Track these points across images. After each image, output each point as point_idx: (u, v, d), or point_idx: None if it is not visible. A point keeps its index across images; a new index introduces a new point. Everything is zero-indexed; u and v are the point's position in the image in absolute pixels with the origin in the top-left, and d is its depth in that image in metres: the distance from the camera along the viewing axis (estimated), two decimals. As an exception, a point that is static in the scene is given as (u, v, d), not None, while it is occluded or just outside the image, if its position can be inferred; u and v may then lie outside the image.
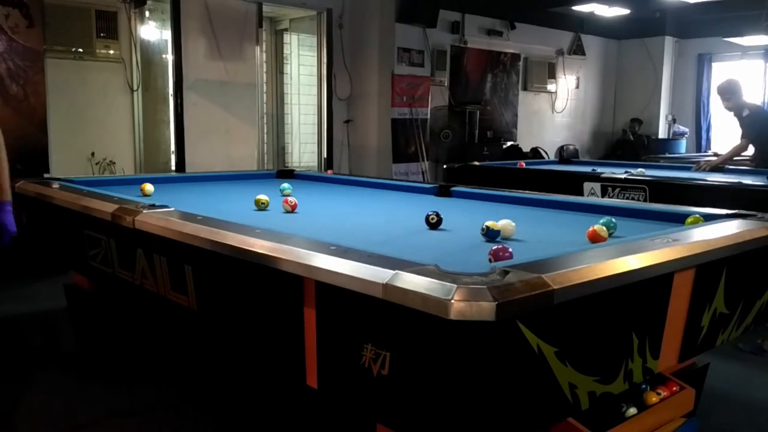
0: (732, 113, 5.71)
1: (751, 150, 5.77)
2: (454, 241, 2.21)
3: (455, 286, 1.30)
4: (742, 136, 5.58)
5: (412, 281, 1.38)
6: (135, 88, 6.10)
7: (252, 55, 6.71)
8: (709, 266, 1.91)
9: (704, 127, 10.19)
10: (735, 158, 5.87)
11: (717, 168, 5.46)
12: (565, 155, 9.58)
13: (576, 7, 8.07)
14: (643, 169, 4.96)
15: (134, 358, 3.26)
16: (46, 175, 4.70)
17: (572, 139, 10.36)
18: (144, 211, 2.38)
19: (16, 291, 4.61)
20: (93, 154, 5.88)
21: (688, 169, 5.70)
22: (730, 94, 5.62)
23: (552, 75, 9.77)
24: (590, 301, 1.50)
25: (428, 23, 7.45)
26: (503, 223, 2.19)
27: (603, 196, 4.63)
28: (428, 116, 7.71)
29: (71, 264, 3.36)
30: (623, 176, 4.63)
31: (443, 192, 3.41)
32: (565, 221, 2.65)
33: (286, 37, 7.78)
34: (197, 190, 3.60)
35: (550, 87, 9.80)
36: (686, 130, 10.26)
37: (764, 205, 3.05)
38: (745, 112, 5.65)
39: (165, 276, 2.34)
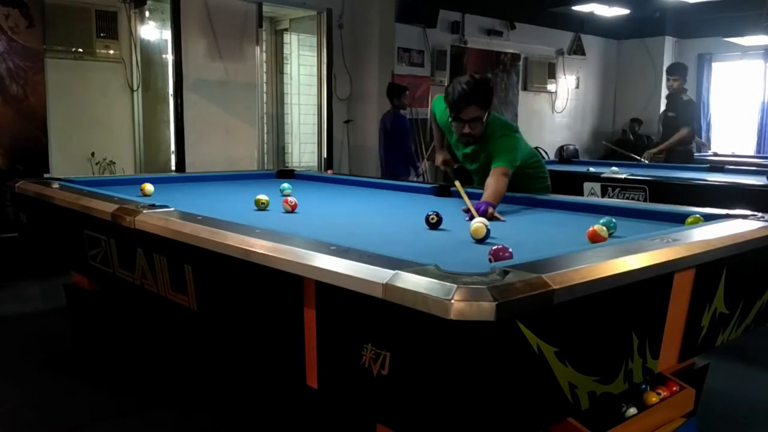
0: (671, 94, 5.92)
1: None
2: (454, 241, 2.21)
3: (455, 286, 1.30)
4: (685, 124, 5.71)
5: (412, 281, 1.38)
6: (135, 88, 6.10)
7: (252, 55, 6.71)
8: (709, 266, 1.91)
9: (704, 127, 10.19)
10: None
11: (660, 154, 5.64)
12: (565, 155, 9.58)
13: (576, 7, 8.07)
14: (616, 168, 4.99)
15: (134, 358, 3.26)
16: (46, 175, 4.71)
17: (572, 139, 10.36)
18: (144, 211, 2.37)
19: (16, 291, 4.61)
20: (93, 154, 5.88)
21: (688, 169, 5.71)
22: (680, 74, 5.82)
23: (552, 75, 9.78)
24: (590, 301, 1.50)
25: (428, 23, 7.45)
26: (474, 227, 2.14)
27: (603, 196, 4.63)
28: (428, 116, 7.71)
29: (71, 264, 3.36)
30: (622, 176, 4.63)
31: (442, 192, 3.41)
32: (565, 221, 2.65)
33: (286, 37, 7.78)
34: (197, 190, 3.60)
35: (550, 87, 9.81)
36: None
37: (764, 205, 3.05)
38: (686, 97, 5.80)
39: (165, 276, 2.34)
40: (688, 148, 5.91)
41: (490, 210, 2.53)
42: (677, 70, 5.93)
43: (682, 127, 5.77)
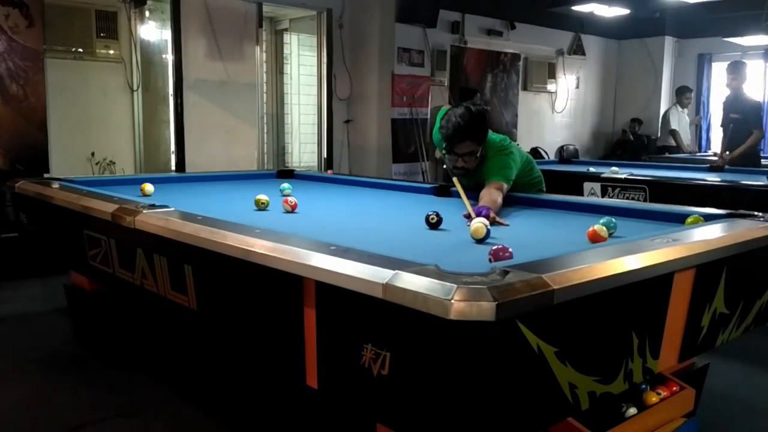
0: (732, 95, 5.82)
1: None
2: (454, 241, 2.21)
3: (455, 286, 1.30)
4: (755, 127, 5.63)
5: (412, 281, 1.38)
6: (135, 88, 6.10)
7: (252, 55, 6.71)
8: (709, 266, 1.91)
9: (704, 127, 10.19)
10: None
11: (733, 161, 5.56)
12: (565, 155, 9.58)
13: (576, 7, 8.07)
14: (616, 168, 5.00)
15: (134, 358, 3.26)
16: (46, 175, 4.70)
17: (572, 139, 10.36)
18: (144, 211, 2.38)
19: (16, 291, 4.61)
20: (93, 154, 5.88)
21: (688, 169, 5.71)
22: (738, 72, 5.73)
23: (552, 75, 9.77)
24: (590, 301, 1.50)
25: (428, 23, 7.45)
26: (475, 227, 2.12)
27: (603, 196, 4.64)
28: (428, 116, 7.71)
29: (71, 264, 3.36)
30: (622, 176, 4.64)
31: (442, 192, 3.41)
32: (565, 221, 2.65)
33: (286, 37, 7.78)
34: (197, 190, 3.60)
35: (550, 87, 9.80)
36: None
37: (764, 205, 3.05)
38: (751, 97, 5.73)
39: (165, 276, 2.34)
40: (754, 150, 5.77)
41: (492, 215, 2.51)
42: (735, 69, 5.75)
43: (754, 130, 5.66)
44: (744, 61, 6.15)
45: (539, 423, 1.56)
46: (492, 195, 2.75)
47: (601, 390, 1.63)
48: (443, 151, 3.10)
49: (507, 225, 2.51)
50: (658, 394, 1.99)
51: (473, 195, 2.81)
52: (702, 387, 2.28)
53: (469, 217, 2.52)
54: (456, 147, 2.97)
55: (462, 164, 3.01)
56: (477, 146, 2.97)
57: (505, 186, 2.89)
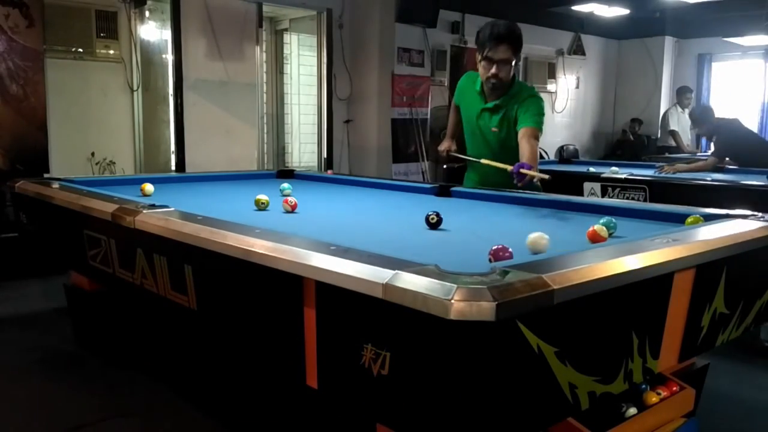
0: (705, 137, 5.85)
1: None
2: (454, 241, 2.21)
3: (455, 286, 1.30)
4: (713, 154, 5.61)
5: (412, 281, 1.38)
6: (135, 88, 6.10)
7: (252, 55, 6.71)
8: (709, 266, 1.91)
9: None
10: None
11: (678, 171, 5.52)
12: (565, 155, 9.58)
13: (576, 7, 8.08)
14: (616, 168, 5.00)
15: (134, 358, 3.26)
16: (46, 175, 4.70)
17: (572, 139, 10.36)
18: (144, 211, 2.37)
19: (16, 291, 4.61)
20: (93, 154, 5.88)
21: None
22: (702, 121, 5.73)
23: (552, 75, 9.77)
24: (590, 301, 1.50)
25: (428, 23, 7.45)
26: (534, 237, 1.93)
27: (603, 196, 4.64)
28: (428, 116, 7.72)
29: (71, 264, 3.36)
30: (622, 176, 4.64)
31: (443, 192, 3.40)
32: (565, 221, 2.65)
33: (286, 37, 7.79)
34: (197, 190, 3.60)
35: (550, 87, 9.80)
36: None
37: (764, 205, 3.05)
38: (715, 138, 5.70)
39: (165, 276, 2.34)
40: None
41: (534, 169, 2.69)
42: (697, 119, 5.76)
43: (712, 157, 5.70)
44: (705, 105, 6.10)
45: (539, 423, 1.56)
46: (533, 150, 2.87)
47: (601, 390, 1.63)
48: (479, 58, 3.08)
49: (548, 177, 2.63)
50: (658, 394, 1.98)
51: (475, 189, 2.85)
52: (702, 387, 2.28)
53: (517, 174, 2.70)
54: (492, 51, 2.98)
55: (495, 72, 3.02)
56: (513, 55, 3.00)
57: (540, 134, 2.99)
